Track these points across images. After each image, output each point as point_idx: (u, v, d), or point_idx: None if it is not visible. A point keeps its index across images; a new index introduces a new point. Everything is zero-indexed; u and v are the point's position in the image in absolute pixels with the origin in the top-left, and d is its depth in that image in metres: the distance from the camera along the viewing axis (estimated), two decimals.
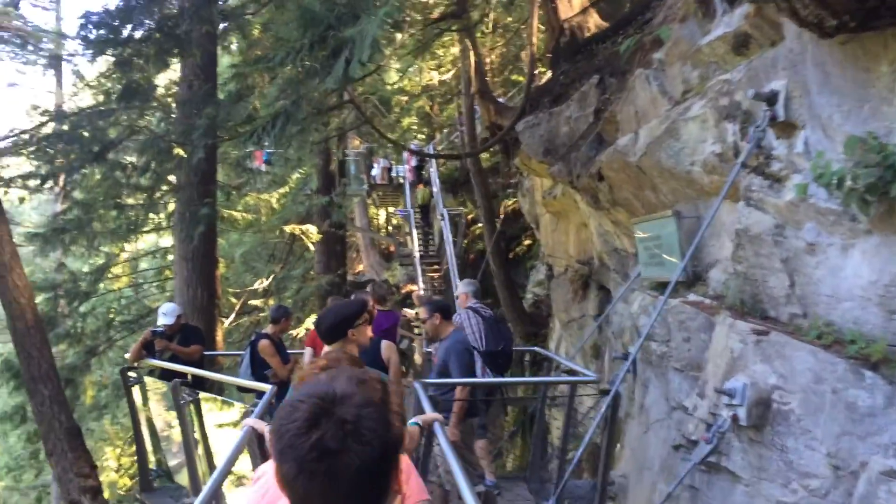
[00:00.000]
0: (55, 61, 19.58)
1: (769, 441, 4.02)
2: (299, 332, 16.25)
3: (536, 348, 7.11)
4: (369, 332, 4.20)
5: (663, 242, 5.66)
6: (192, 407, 5.36)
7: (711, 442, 4.09)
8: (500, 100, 14.19)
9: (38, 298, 13.27)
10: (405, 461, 2.27)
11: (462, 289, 7.49)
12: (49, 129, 12.26)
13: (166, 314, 7.28)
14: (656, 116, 5.74)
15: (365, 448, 1.14)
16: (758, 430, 4.07)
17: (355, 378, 1.24)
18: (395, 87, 21.12)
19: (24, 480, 20.49)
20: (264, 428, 3.96)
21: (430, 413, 4.36)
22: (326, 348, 3.83)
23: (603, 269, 8.79)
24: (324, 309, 4.95)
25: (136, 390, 6.48)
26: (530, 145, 8.15)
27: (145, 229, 13.31)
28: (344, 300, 5.79)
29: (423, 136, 27.33)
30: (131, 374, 6.44)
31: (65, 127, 9.75)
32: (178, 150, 9.65)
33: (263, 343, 6.60)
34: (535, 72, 9.45)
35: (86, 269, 15.35)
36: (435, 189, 20.20)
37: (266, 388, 4.39)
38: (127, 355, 6.95)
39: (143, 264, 19.37)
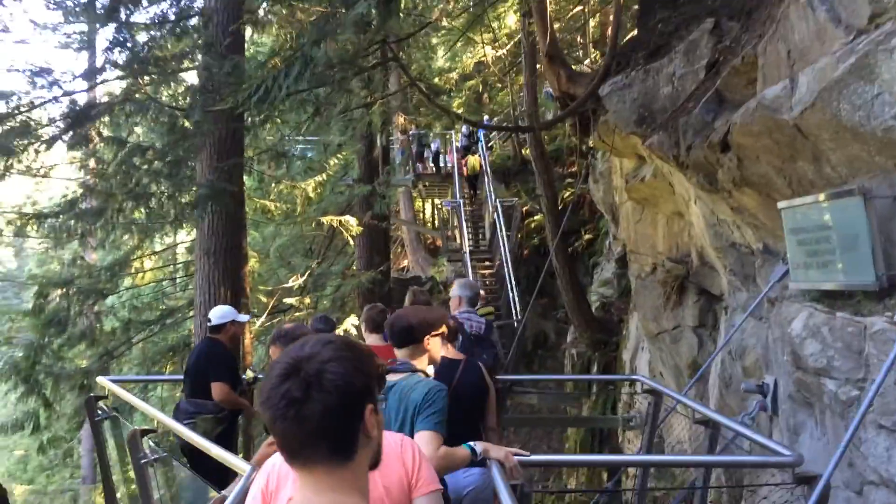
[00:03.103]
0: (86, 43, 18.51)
1: None
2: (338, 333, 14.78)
3: (641, 377, 5.38)
4: (448, 349, 3.85)
5: (837, 234, 3.94)
6: (157, 468, 3.85)
7: None
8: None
9: (52, 295, 12.09)
10: (417, 450, 2.22)
11: (456, 290, 5.93)
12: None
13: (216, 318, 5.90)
14: (826, 54, 4.01)
15: (325, 396, 1.34)
16: None
17: (322, 340, 1.45)
18: (445, 67, 19.55)
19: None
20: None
21: (506, 449, 3.07)
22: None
23: (705, 269, 7.06)
24: (394, 311, 3.82)
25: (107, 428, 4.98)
26: (619, 112, 6.47)
27: (168, 220, 11.93)
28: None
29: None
30: (102, 404, 4.91)
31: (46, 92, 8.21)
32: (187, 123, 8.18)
33: None
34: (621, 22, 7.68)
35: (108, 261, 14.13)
36: (486, 179, 18.58)
37: (245, 467, 2.88)
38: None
39: (182, 257, 18.17)
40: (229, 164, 8.29)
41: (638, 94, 6.33)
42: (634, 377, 5.56)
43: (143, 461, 3.75)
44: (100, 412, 4.84)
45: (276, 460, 2.03)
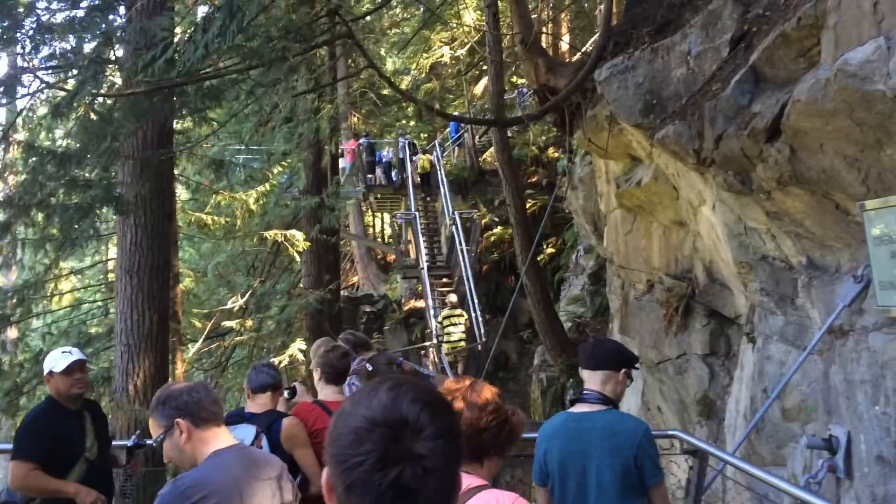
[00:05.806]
0: None
1: None
2: (282, 359, 13.39)
3: (680, 433, 4.17)
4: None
5: None
6: None
7: None
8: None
9: None
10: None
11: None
12: None
13: (60, 360, 4.11)
14: None
15: (441, 484, 1.04)
16: None
17: (421, 400, 1.05)
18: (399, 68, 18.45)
19: None
20: None
21: None
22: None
23: (715, 286, 6.04)
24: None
25: None
26: (620, 101, 5.41)
27: (84, 236, 10.42)
28: None
29: (425, 135, 24.63)
30: None
31: None
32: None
33: (292, 426, 3.61)
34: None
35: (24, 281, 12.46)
36: (443, 190, 17.49)
37: None
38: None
39: (112, 277, 16.49)
40: (147, 157, 6.83)
41: (644, 78, 5.29)
42: (671, 433, 4.43)
43: None
44: None
45: None
